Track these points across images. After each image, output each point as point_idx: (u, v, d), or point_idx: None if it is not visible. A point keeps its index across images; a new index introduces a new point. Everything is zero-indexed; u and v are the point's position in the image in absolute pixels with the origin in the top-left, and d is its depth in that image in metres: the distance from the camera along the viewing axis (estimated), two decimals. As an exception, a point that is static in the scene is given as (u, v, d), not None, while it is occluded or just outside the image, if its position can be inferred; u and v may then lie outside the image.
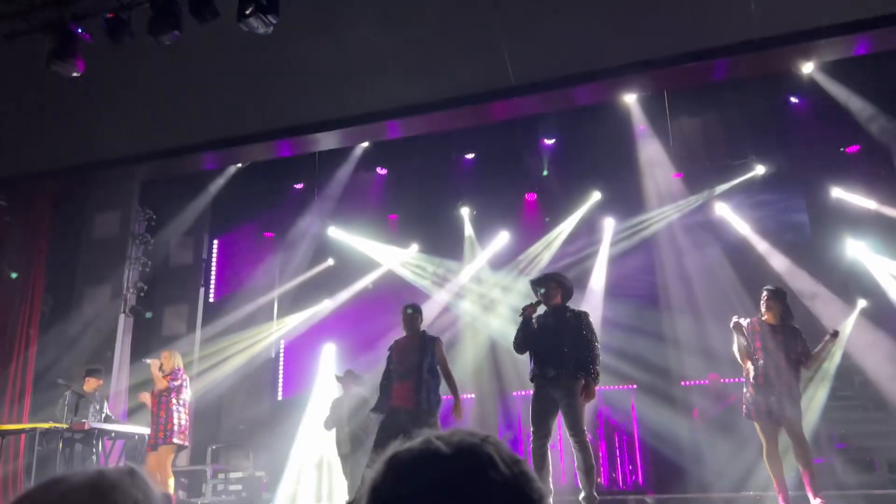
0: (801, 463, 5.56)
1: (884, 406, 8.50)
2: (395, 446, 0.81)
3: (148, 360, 7.37)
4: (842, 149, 9.38)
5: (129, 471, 1.07)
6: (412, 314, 6.51)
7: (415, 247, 12.16)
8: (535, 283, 6.12)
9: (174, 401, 7.16)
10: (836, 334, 5.86)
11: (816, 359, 5.82)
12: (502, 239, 11.95)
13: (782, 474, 5.64)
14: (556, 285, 6.01)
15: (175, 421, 7.09)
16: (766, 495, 7.61)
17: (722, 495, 7.98)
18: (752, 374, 5.71)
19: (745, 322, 5.86)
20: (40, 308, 9.35)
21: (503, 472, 0.76)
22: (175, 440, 7.05)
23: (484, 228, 11.90)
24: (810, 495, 5.49)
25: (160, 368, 7.27)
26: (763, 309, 5.85)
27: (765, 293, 5.89)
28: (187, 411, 7.30)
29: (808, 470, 5.52)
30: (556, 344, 5.75)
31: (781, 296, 5.87)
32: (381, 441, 5.73)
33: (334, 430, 8.16)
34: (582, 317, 5.89)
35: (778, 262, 10.16)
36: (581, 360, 5.66)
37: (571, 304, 6.10)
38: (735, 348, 5.86)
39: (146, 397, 7.39)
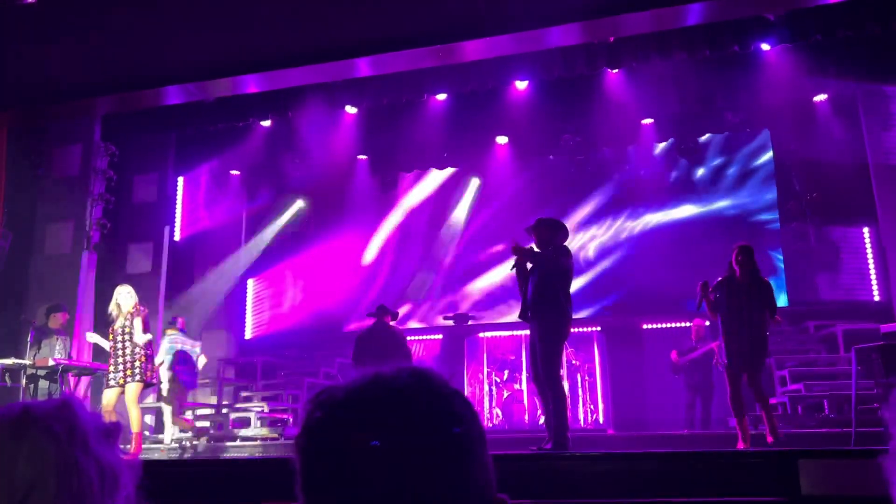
0: (761, 405, 6.03)
1: (835, 350, 8.79)
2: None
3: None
4: (810, 97, 9.45)
5: (60, 404, 1.05)
6: None
7: (386, 189, 12.12)
8: (527, 230, 6.17)
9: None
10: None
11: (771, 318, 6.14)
12: (473, 183, 11.98)
13: (743, 416, 6.01)
14: (542, 229, 6.04)
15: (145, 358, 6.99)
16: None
17: (678, 433, 8.27)
18: (722, 327, 6.05)
19: (715, 281, 6.16)
20: (0, 244, 9.16)
21: (419, 406, 0.77)
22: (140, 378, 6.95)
23: (454, 170, 11.88)
24: (768, 436, 5.89)
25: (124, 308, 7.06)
26: (733, 265, 6.09)
27: (735, 250, 6.15)
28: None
29: (764, 412, 5.98)
30: (534, 285, 5.85)
31: (750, 252, 6.13)
32: None
33: None
34: (556, 257, 5.89)
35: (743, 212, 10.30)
36: (546, 301, 5.76)
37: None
38: (704, 305, 6.14)
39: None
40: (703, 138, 10.25)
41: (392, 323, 8.07)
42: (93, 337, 7.55)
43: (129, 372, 6.81)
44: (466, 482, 0.76)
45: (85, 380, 8.46)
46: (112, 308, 7.06)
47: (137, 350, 6.88)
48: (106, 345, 7.09)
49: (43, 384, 8.00)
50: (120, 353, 6.87)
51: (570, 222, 11.67)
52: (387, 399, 0.77)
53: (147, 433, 9.89)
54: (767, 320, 6.03)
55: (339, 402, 0.79)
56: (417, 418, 0.76)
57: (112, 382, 6.84)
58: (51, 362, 7.76)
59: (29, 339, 8.10)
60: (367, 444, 0.74)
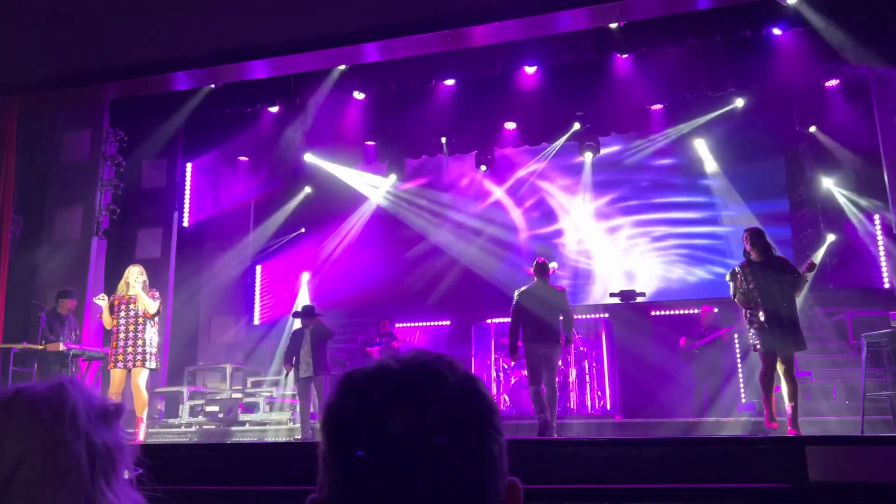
0: (788, 396, 5.89)
1: (845, 337, 8.75)
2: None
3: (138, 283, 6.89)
4: (821, 83, 9.35)
5: (55, 385, 1.05)
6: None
7: (393, 176, 12.07)
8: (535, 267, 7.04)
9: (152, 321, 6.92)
10: (812, 266, 6.10)
11: (799, 289, 6.13)
12: (480, 169, 11.91)
13: (772, 394, 6.01)
14: (548, 268, 7.01)
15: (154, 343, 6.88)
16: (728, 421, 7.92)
17: (685, 419, 8.27)
18: (759, 314, 5.95)
19: (737, 269, 6.15)
20: (10, 229, 9.20)
21: (452, 387, 0.78)
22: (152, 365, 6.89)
23: (462, 157, 11.82)
24: (789, 426, 5.81)
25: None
26: (748, 249, 6.11)
27: (746, 234, 6.20)
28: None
29: (792, 403, 5.86)
30: (550, 314, 6.78)
31: (760, 233, 6.16)
32: None
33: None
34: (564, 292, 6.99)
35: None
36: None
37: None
38: (733, 296, 6.15)
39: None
40: (712, 124, 10.17)
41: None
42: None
43: (145, 357, 6.69)
44: (490, 463, 0.77)
45: (95, 365, 8.52)
46: (121, 288, 6.87)
47: (149, 335, 6.79)
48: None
49: (54, 369, 8.06)
50: (129, 334, 6.70)
51: (577, 209, 11.66)
52: (422, 382, 0.78)
53: (156, 417, 9.98)
54: (794, 298, 5.98)
55: (369, 386, 0.78)
56: (449, 400, 0.77)
57: (121, 365, 6.66)
58: (61, 347, 7.81)
59: (40, 324, 8.15)
60: (400, 426, 0.74)
